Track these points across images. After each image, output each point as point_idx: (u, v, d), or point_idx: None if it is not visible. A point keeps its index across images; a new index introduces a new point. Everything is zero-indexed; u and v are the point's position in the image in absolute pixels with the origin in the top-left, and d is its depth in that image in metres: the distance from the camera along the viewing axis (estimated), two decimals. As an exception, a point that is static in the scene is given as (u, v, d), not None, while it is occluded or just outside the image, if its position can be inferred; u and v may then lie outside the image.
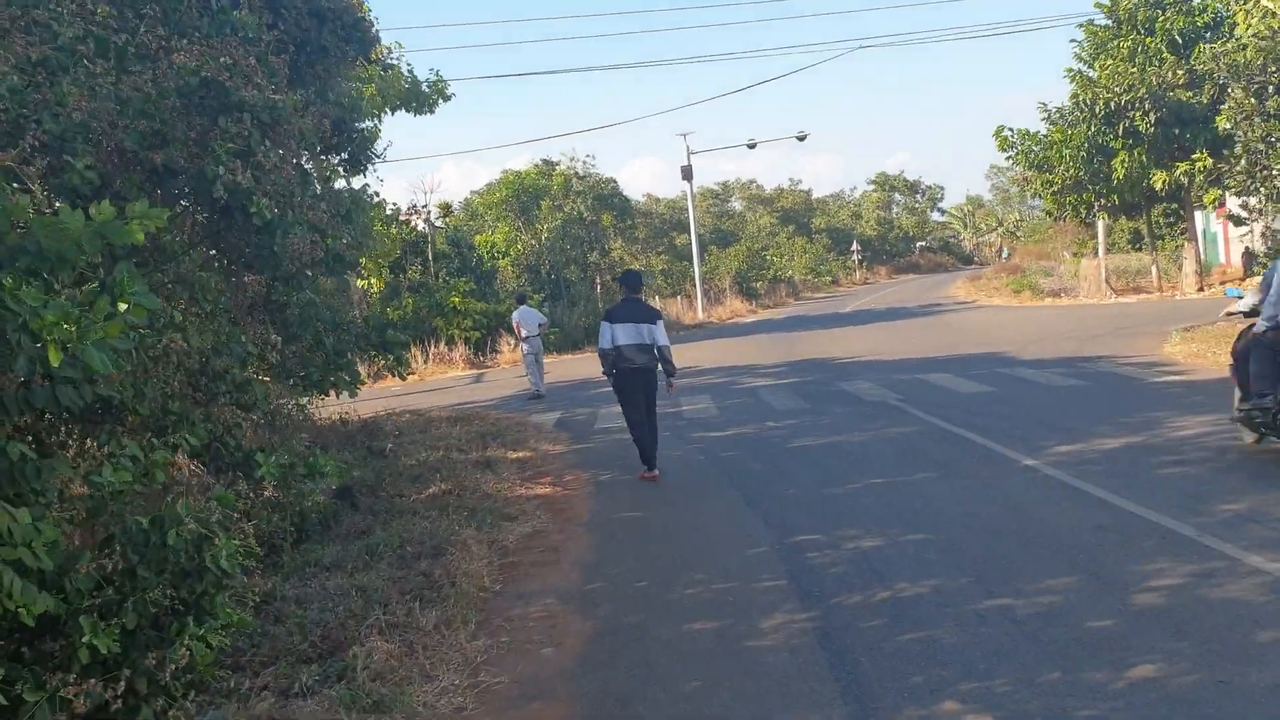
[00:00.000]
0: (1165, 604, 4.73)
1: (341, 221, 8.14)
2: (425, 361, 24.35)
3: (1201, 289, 25.06)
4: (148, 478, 4.56)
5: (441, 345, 25.44)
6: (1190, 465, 7.48)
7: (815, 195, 75.08)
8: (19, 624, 3.40)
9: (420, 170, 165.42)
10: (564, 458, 10.64)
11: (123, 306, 3.90)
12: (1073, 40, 26.29)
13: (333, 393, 8.58)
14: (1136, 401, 10.49)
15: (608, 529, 7.45)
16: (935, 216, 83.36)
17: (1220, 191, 23.37)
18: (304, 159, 7.60)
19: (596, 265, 37.81)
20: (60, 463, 4.04)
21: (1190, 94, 22.70)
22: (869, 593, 5.31)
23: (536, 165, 39.08)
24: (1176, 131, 23.44)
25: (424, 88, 17.96)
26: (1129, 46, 23.90)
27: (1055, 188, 25.89)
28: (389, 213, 24.52)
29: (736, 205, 71.64)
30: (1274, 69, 16.30)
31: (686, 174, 37.64)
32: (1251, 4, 16.81)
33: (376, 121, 16.11)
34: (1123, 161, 23.89)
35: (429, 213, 30.36)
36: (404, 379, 10.14)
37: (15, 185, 4.68)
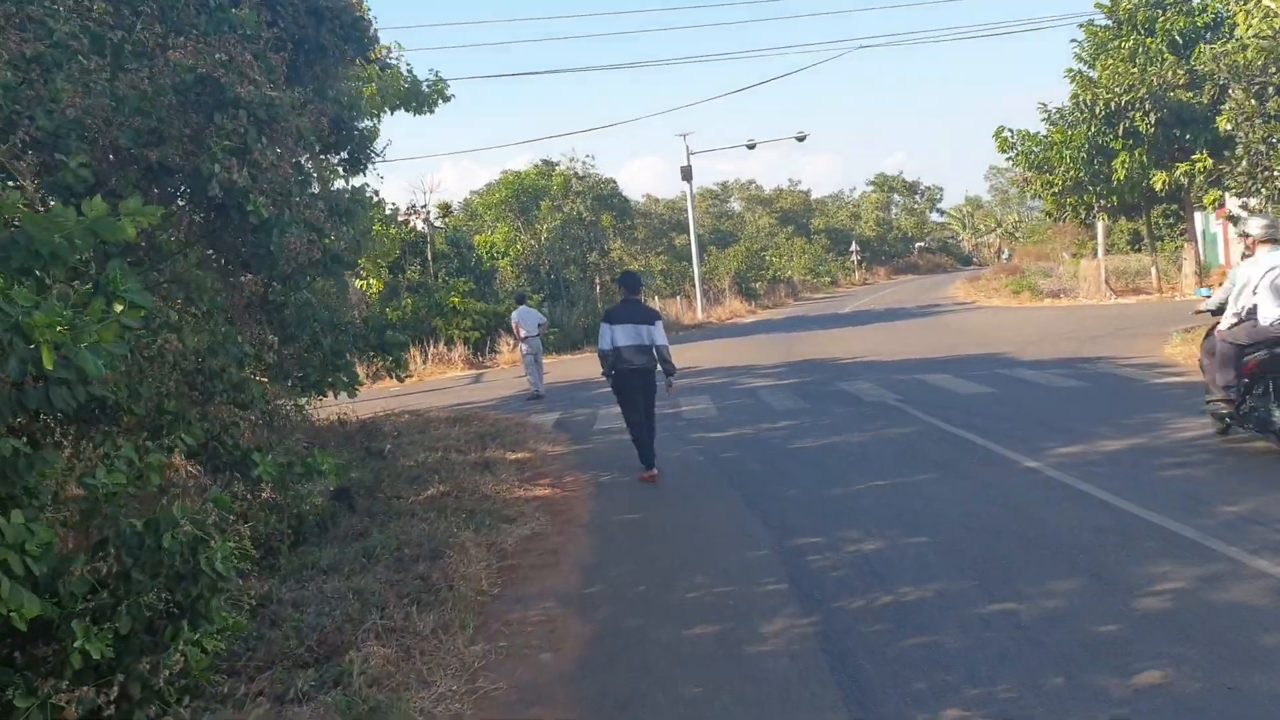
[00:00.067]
0: (1170, 607, 4.69)
1: (340, 221, 8.09)
2: (424, 362, 24.30)
3: (1201, 289, 25.01)
4: (142, 480, 4.51)
5: (440, 345, 25.40)
6: (1192, 467, 7.44)
7: (814, 196, 75.15)
8: (10, 628, 3.35)
9: (419, 170, 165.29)
10: (563, 459, 10.59)
11: (118, 307, 3.86)
12: (1073, 40, 26.30)
13: (331, 393, 8.53)
14: (1137, 403, 10.44)
15: (607, 531, 7.40)
16: (934, 217, 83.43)
17: (1220, 192, 23.31)
18: (303, 158, 7.55)
19: (596, 265, 37.78)
20: (51, 455, 3.99)
21: (1190, 94, 22.66)
22: (870, 596, 5.26)
23: (536, 165, 39.08)
24: (1177, 132, 23.41)
25: (424, 88, 17.92)
26: (1130, 47, 23.86)
27: (1055, 189, 25.85)
28: (388, 213, 24.49)
29: (736, 206, 71.61)
30: (1274, 70, 16.25)
31: (686, 174, 37.59)
32: (1252, 4, 16.76)
33: (376, 121, 16.09)
34: (1123, 162, 23.86)
35: (428, 213, 30.32)
36: (401, 381, 10.07)
37: (9, 183, 4.64)
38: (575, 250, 36.71)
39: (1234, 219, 23.51)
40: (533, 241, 35.83)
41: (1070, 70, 25.39)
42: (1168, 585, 4.98)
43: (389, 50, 17.87)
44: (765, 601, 5.38)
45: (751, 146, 41.16)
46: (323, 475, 6.49)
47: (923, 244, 79.09)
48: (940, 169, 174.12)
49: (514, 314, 18.00)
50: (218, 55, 5.79)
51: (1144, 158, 23.72)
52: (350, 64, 11.04)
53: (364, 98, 14.02)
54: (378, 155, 12.04)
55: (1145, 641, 4.32)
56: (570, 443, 11.63)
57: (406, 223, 28.19)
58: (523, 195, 37.14)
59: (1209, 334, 8.07)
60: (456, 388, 20.63)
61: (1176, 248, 30.36)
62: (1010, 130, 26.52)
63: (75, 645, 3.64)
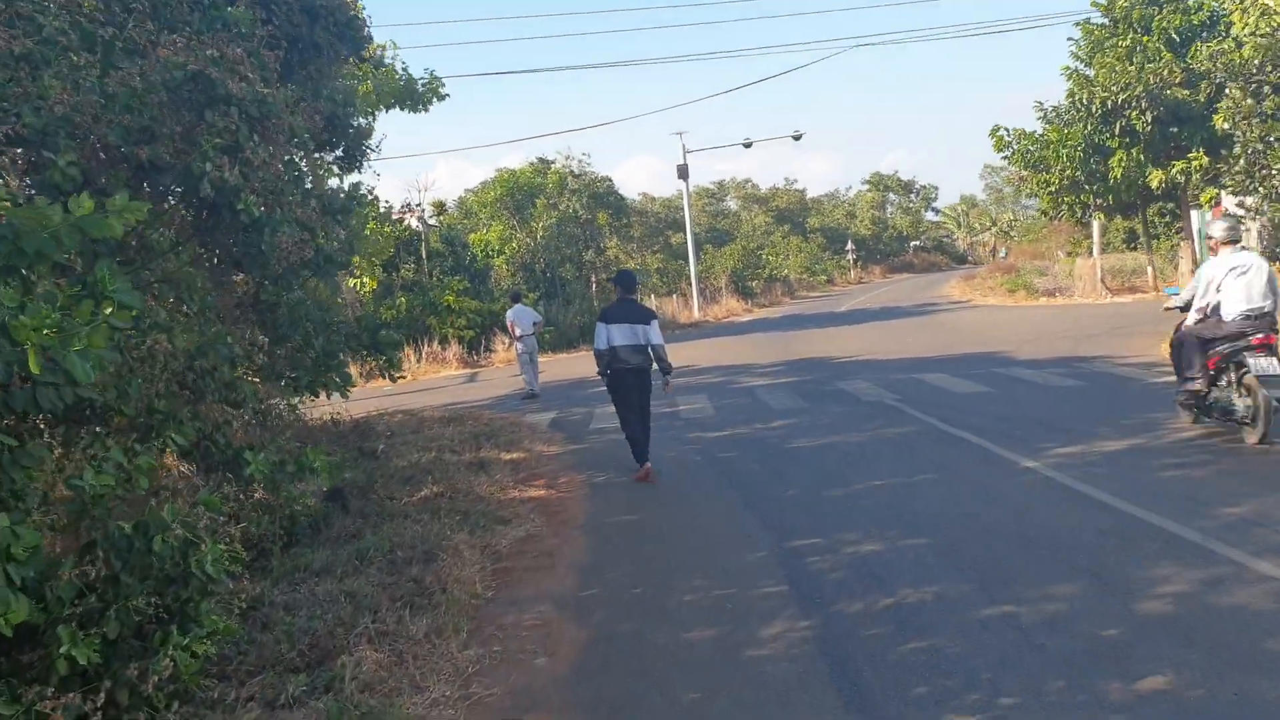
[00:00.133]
0: (1172, 611, 4.64)
1: (334, 220, 8.01)
2: (418, 361, 24.18)
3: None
4: (131, 483, 4.45)
5: (435, 344, 25.28)
6: (1192, 467, 7.41)
7: (810, 195, 75.17)
8: (-5, 634, 3.28)
9: (414, 168, 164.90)
10: (559, 459, 10.52)
11: (107, 309, 3.79)
12: (1069, 39, 26.27)
13: (324, 394, 8.46)
14: (1135, 402, 10.41)
15: (603, 532, 7.34)
16: (929, 216, 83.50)
17: (1216, 190, 23.31)
18: (297, 156, 7.48)
19: (592, 264, 37.69)
20: (38, 450, 3.92)
21: (1187, 92, 22.64)
22: (870, 599, 5.21)
23: (531, 163, 38.94)
24: (1174, 130, 23.39)
25: (419, 86, 17.86)
26: (1127, 45, 23.83)
27: (1052, 187, 25.82)
28: (382, 211, 24.38)
29: (732, 204, 71.57)
30: (1271, 69, 16.24)
31: (682, 173, 37.55)
32: (1249, 2, 16.73)
33: (371, 119, 16.01)
34: (1120, 161, 23.84)
35: (423, 211, 30.23)
36: (395, 380, 10.00)
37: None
38: (571, 248, 36.62)
39: (1230, 218, 23.53)
40: (528, 240, 35.73)
41: (1067, 68, 25.37)
42: (1170, 588, 4.94)
43: (383, 48, 17.83)
44: (764, 604, 5.33)
45: (748, 145, 41.19)
46: (315, 474, 6.43)
47: (918, 243, 79.15)
48: (936, 168, 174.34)
49: (509, 312, 17.92)
50: (209, 52, 5.71)
51: (1140, 156, 23.71)
52: (344, 62, 10.97)
53: (359, 95, 13.93)
54: (373, 150, 11.99)
55: (1148, 646, 4.27)
56: (566, 442, 11.56)
57: (401, 221, 28.08)
58: (518, 193, 37.02)
59: (1178, 329, 8.58)
60: (451, 387, 20.55)
61: (1172, 246, 30.36)
62: (1006, 129, 26.49)
63: (61, 651, 3.58)
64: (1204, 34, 23.70)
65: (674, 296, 38.57)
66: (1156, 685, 3.89)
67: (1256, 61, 16.40)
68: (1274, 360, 7.76)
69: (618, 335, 8.81)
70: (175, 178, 5.69)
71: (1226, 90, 17.55)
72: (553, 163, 38.48)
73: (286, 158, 6.49)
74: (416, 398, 17.42)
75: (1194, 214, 26.49)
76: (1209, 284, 8.09)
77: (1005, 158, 27.52)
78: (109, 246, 5.17)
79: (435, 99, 18.18)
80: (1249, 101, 16.43)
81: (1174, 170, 23.32)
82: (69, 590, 3.80)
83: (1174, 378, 8.72)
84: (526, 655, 4.93)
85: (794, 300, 46.64)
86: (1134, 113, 23.09)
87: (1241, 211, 20.00)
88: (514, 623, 5.40)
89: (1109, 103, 23.35)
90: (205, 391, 5.91)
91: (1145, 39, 24.03)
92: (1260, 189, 16.99)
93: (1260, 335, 7.83)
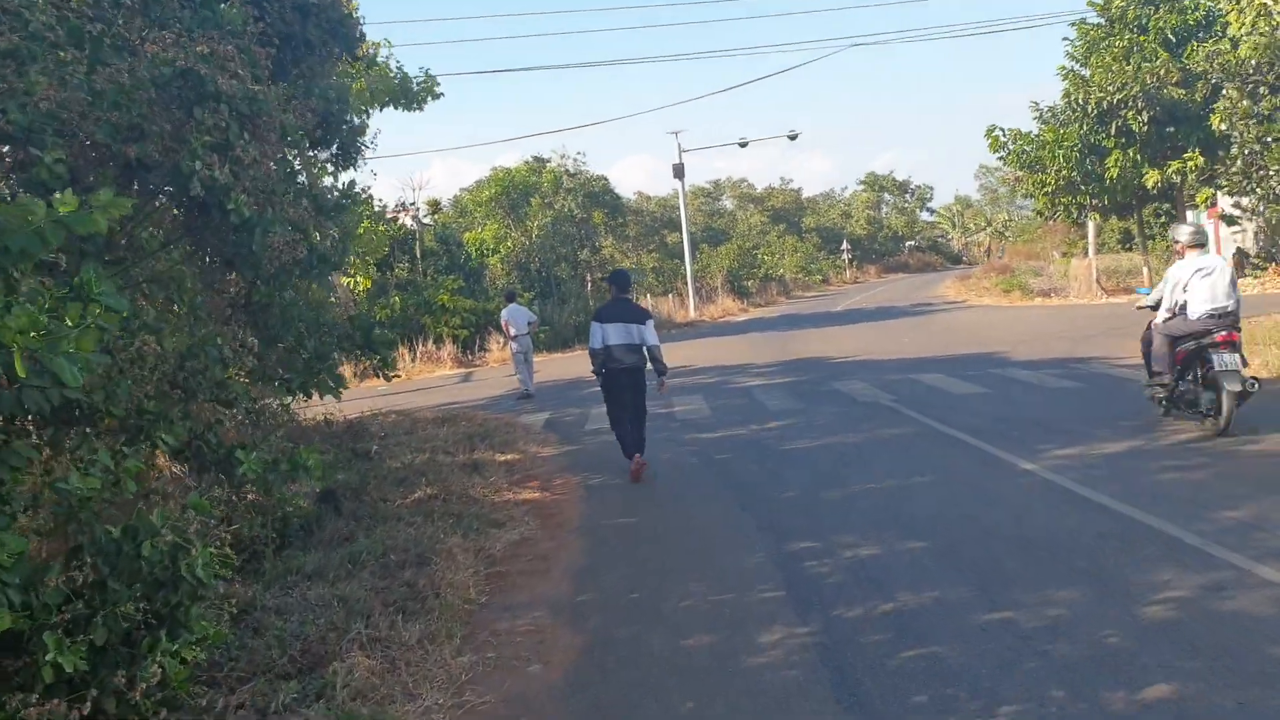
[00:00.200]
0: (1174, 617, 4.59)
1: (327, 218, 7.92)
2: (413, 360, 24.09)
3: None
4: (118, 486, 4.37)
5: (429, 344, 25.19)
6: (1191, 470, 7.36)
7: (805, 194, 75.21)
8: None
9: (409, 167, 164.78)
10: (553, 460, 10.46)
11: (94, 312, 3.72)
12: (1065, 39, 26.24)
13: (316, 395, 8.37)
14: (1132, 404, 10.34)
15: (599, 535, 7.27)
16: (924, 216, 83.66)
17: (1212, 191, 23.31)
18: (290, 154, 7.39)
19: (587, 263, 37.61)
20: (24, 449, 3.84)
21: (1183, 92, 22.63)
22: (869, 604, 5.15)
23: (526, 162, 38.89)
24: (1170, 130, 23.37)
25: (413, 85, 17.80)
26: (1123, 45, 23.81)
27: (1048, 188, 25.79)
28: (377, 210, 24.30)
29: (728, 204, 71.58)
30: (1267, 69, 16.23)
31: (678, 172, 37.50)
32: (1245, 2, 16.72)
33: (365, 118, 15.94)
34: (1116, 161, 23.82)
35: (417, 210, 30.16)
36: (389, 380, 9.92)
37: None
38: (566, 248, 36.52)
39: (1226, 218, 23.56)
40: (523, 239, 35.63)
41: (1063, 68, 25.35)
42: (1171, 593, 4.89)
43: (377, 46, 17.76)
44: (761, 609, 5.26)
45: (743, 144, 41.15)
46: (309, 473, 6.33)
47: (913, 243, 79.25)
48: (931, 168, 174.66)
49: (504, 312, 17.84)
50: (199, 48, 5.62)
51: (1137, 156, 23.69)
52: (337, 60, 10.88)
53: (352, 94, 13.86)
54: (368, 148, 11.91)
55: (1150, 653, 4.21)
56: (561, 443, 11.50)
57: (395, 220, 28.01)
58: (513, 192, 36.93)
59: (1148, 328, 9.06)
60: (445, 387, 20.46)
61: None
62: (1002, 129, 26.43)
63: (47, 658, 3.51)
64: (1200, 34, 23.69)
65: (669, 296, 38.47)
66: (1160, 694, 3.83)
67: (1253, 62, 16.39)
68: (1236, 356, 8.21)
69: (612, 335, 8.79)
70: (164, 176, 5.59)
71: (1223, 91, 17.54)
72: (548, 161, 38.45)
73: (278, 156, 6.40)
74: (411, 397, 17.33)
75: (1190, 214, 26.51)
76: (1176, 285, 8.50)
77: (1001, 158, 27.49)
78: (96, 245, 5.09)
79: (430, 97, 18.15)
80: (1245, 102, 16.43)
81: (1170, 171, 23.31)
82: (55, 596, 3.72)
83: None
84: (520, 662, 4.86)
85: (789, 300, 46.60)
86: (1130, 113, 23.07)
87: (1238, 212, 20.01)
88: (508, 628, 5.34)
89: (1105, 103, 23.33)
90: (196, 391, 5.83)
91: (1141, 39, 24.02)
92: (1257, 189, 17.00)
93: (1224, 332, 8.26)
